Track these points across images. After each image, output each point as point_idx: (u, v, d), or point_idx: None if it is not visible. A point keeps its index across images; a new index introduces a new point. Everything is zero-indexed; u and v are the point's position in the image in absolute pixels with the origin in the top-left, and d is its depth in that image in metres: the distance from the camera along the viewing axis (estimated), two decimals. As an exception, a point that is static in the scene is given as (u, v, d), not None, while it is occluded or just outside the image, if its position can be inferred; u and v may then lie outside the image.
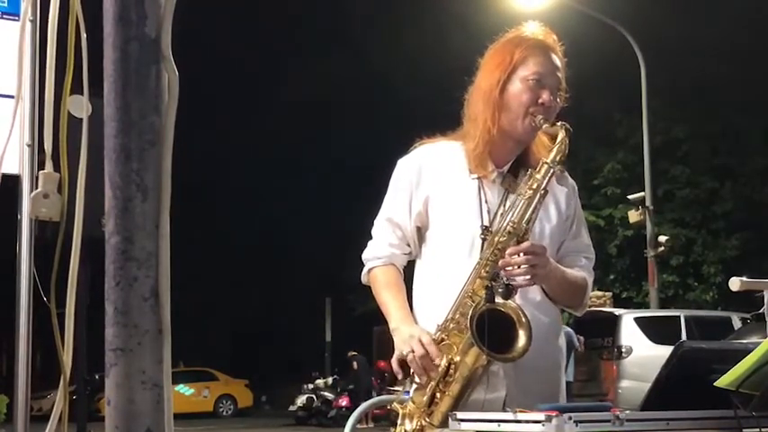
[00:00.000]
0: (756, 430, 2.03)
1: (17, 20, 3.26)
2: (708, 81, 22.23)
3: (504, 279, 2.31)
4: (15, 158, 3.02)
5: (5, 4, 3.38)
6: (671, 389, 2.11)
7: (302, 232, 30.87)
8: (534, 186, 2.37)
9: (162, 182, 1.43)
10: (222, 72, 31.58)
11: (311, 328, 32.07)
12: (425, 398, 2.33)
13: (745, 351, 2.02)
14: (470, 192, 2.50)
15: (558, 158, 2.38)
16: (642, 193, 19.01)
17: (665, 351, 2.39)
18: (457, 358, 2.31)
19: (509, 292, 2.29)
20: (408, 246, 2.60)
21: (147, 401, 1.38)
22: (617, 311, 16.51)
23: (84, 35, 2.07)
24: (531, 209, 2.35)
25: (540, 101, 2.45)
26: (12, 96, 2.91)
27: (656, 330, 13.32)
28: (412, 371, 2.37)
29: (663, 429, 2.01)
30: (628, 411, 1.98)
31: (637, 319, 15.66)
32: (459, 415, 2.18)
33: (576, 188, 2.65)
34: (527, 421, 1.96)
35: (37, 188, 2.51)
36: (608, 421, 1.94)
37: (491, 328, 2.24)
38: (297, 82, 30.60)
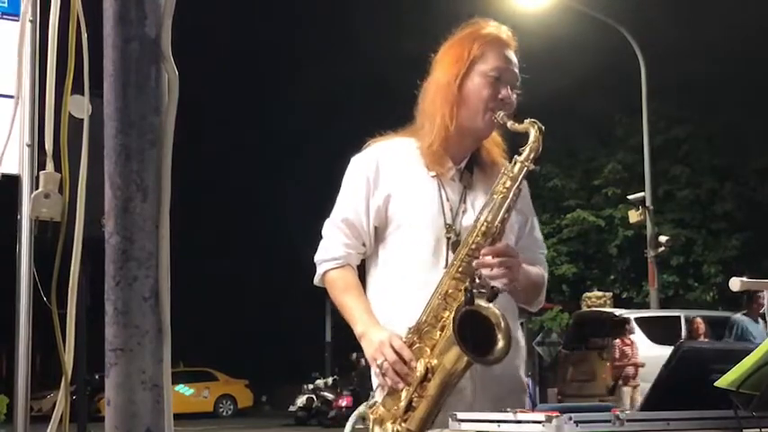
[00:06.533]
0: (756, 430, 2.03)
1: (17, 20, 3.26)
2: (708, 81, 22.24)
3: (486, 281, 2.24)
4: (15, 158, 3.02)
5: (5, 4, 3.38)
6: (671, 389, 2.11)
7: (303, 232, 30.85)
8: (508, 185, 2.31)
9: (162, 182, 1.43)
10: (222, 71, 31.57)
11: (311, 328, 32.03)
12: (402, 403, 2.25)
13: (745, 351, 2.01)
14: (431, 190, 2.45)
15: (531, 156, 2.32)
16: (642, 193, 19.02)
17: (665, 351, 2.39)
18: (434, 361, 2.23)
19: (494, 295, 2.23)
20: (364, 245, 2.51)
21: (147, 401, 1.38)
22: (617, 311, 16.52)
23: (84, 35, 2.08)
24: (504, 208, 2.30)
25: (499, 96, 2.41)
26: (12, 96, 2.91)
27: (656, 330, 13.34)
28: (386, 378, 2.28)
29: (663, 429, 2.01)
30: (628, 411, 1.98)
31: (637, 320, 15.66)
32: (460, 415, 2.17)
33: (526, 184, 2.53)
34: (527, 421, 1.96)
35: (37, 188, 2.51)
36: (608, 421, 1.94)
37: (470, 330, 2.18)
38: (299, 82, 30.61)
